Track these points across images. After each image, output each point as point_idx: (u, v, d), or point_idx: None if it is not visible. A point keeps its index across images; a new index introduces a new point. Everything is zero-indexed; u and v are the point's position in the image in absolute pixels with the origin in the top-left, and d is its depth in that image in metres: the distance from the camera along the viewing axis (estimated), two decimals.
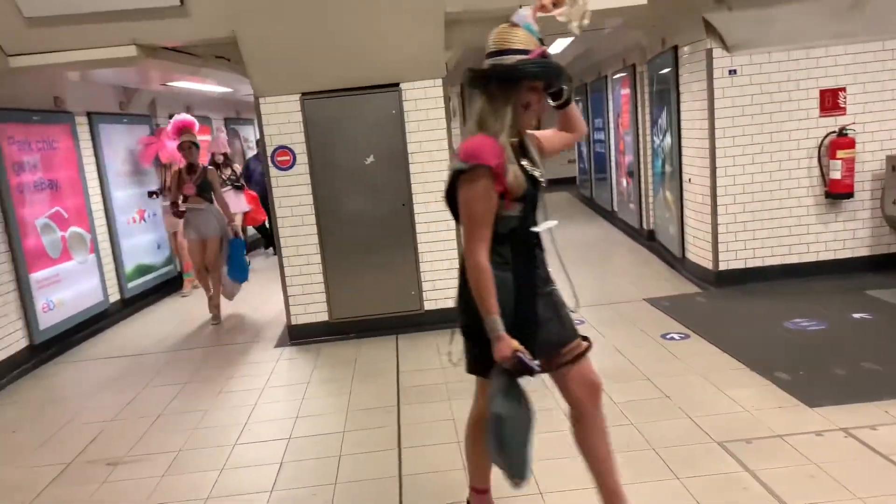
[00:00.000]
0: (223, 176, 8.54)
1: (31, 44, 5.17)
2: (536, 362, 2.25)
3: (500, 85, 2.25)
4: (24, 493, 3.63)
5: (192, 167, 6.55)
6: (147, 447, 4.09)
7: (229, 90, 9.12)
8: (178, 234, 7.84)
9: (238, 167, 9.42)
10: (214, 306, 6.87)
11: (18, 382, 5.53)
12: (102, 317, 6.99)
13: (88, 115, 7.11)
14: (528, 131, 2.47)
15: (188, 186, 6.49)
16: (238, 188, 8.90)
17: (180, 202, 6.59)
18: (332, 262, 5.80)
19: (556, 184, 16.93)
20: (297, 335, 5.89)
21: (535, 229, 2.44)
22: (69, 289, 6.42)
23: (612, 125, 10.31)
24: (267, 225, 9.71)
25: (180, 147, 6.57)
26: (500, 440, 2.26)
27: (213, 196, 6.64)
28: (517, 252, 2.38)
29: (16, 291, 5.73)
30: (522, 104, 2.28)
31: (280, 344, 5.95)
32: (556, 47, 8.33)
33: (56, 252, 6.27)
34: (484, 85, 2.30)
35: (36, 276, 5.93)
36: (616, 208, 10.44)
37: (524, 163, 2.35)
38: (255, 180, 9.59)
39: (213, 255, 6.66)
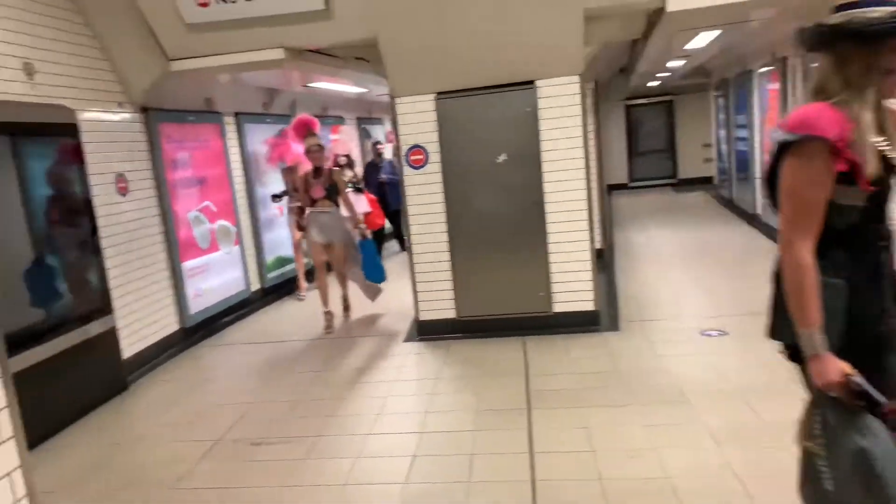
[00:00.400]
0: (345, 178, 8.61)
1: (190, 49, 5.57)
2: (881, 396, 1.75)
3: (857, 43, 1.80)
4: (181, 466, 3.91)
5: (318, 170, 6.47)
6: (286, 430, 4.28)
7: (364, 90, 9.41)
8: (296, 238, 7.91)
9: (359, 170, 9.61)
10: (328, 314, 6.69)
11: (171, 362, 5.98)
12: (244, 304, 7.43)
13: (236, 115, 7.58)
14: (887, 104, 1.93)
15: (317, 189, 6.44)
16: (358, 190, 8.65)
17: (308, 206, 6.56)
18: (460, 260, 5.82)
19: (690, 184, 16.21)
20: (426, 331, 5.97)
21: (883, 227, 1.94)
22: (216, 277, 6.87)
23: (756, 122, 9.69)
24: (386, 225, 9.81)
25: (308, 151, 6.46)
26: (876, 480, 1.72)
27: (338, 199, 6.60)
28: (857, 257, 1.89)
29: (170, 279, 6.21)
30: (886, 69, 1.81)
31: (409, 339, 6.05)
32: (700, 41, 7.92)
33: (205, 243, 6.74)
34: (830, 44, 1.86)
35: (187, 265, 6.39)
36: (759, 211, 9.79)
37: (880, 141, 1.84)
38: (373, 182, 9.62)
39: (340, 261, 6.67)
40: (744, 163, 10.62)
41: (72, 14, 5.20)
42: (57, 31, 5.00)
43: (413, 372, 5.22)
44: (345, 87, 8.85)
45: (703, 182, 15.58)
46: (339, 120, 10.59)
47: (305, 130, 6.62)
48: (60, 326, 4.68)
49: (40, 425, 4.27)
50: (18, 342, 4.19)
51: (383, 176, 9.82)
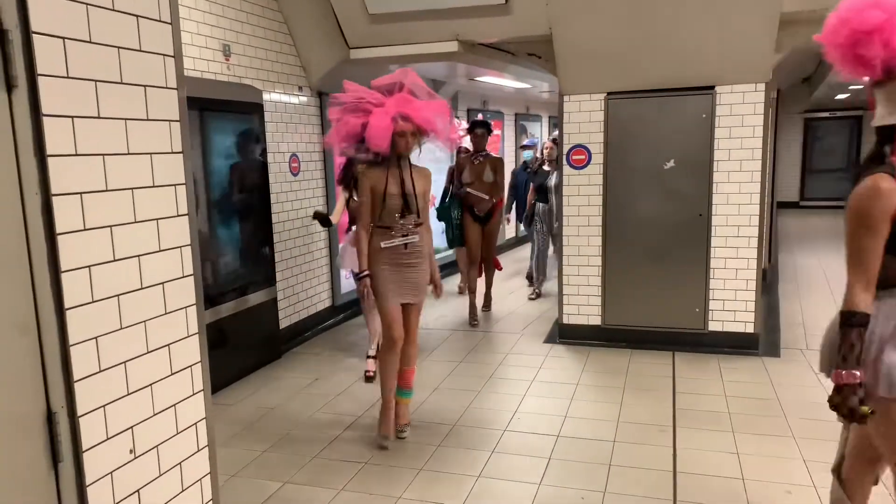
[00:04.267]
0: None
1: (369, 38, 5.82)
2: None
3: None
4: (331, 430, 4.14)
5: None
6: (425, 416, 4.38)
7: (527, 86, 9.39)
8: None
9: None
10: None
11: (320, 336, 6.31)
12: None
13: None
14: None
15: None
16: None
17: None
18: (612, 266, 5.66)
19: (831, 202, 14.74)
20: (567, 334, 5.87)
21: None
22: None
23: None
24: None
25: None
26: None
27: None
28: None
29: (328, 258, 6.55)
30: None
31: (549, 340, 5.98)
32: None
33: None
34: None
35: (341, 246, 6.70)
36: None
37: None
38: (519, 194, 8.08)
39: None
40: None
41: (266, 0, 5.61)
42: (252, 16, 5.41)
43: (551, 374, 5.15)
44: (508, 82, 8.88)
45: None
46: (497, 115, 10.65)
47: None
48: (231, 291, 5.08)
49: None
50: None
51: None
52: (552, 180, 7.21)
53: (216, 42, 5.02)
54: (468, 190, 6.59)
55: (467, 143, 6.78)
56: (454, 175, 6.86)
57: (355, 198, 4.64)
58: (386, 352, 3.92)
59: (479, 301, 6.98)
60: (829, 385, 2.07)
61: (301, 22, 5.82)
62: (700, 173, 5.29)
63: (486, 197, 6.60)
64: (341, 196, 5.26)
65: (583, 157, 5.61)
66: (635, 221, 5.52)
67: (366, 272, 3.81)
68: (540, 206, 7.56)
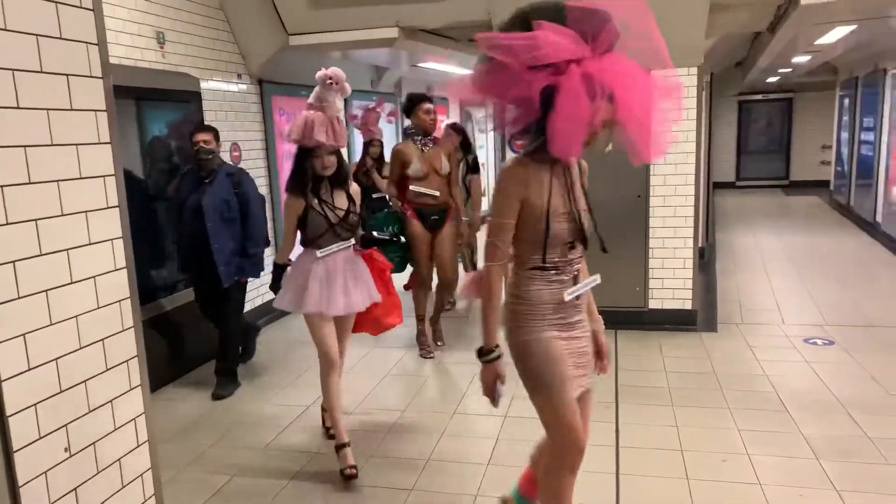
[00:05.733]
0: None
1: (309, 24, 5.75)
2: None
3: None
4: (280, 421, 4.11)
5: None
6: (375, 403, 4.40)
7: (470, 72, 9.41)
8: None
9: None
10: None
11: (267, 329, 6.23)
12: None
13: None
14: None
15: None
16: None
17: None
18: None
19: (803, 186, 15.34)
20: None
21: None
22: None
23: (885, 125, 9.03)
24: None
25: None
26: None
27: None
28: None
29: (273, 245, 6.47)
30: None
31: None
32: (831, 37, 7.43)
33: None
34: None
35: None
36: (880, 220, 9.15)
37: None
38: None
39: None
40: (867, 168, 9.92)
41: None
42: (187, 2, 5.27)
43: None
44: (452, 69, 8.89)
45: (817, 186, 14.69)
46: (443, 101, 10.65)
47: None
48: (173, 284, 4.98)
49: (153, 376, 4.57)
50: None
51: None
52: (460, 172, 5.91)
53: (150, 29, 4.88)
54: (419, 188, 4.96)
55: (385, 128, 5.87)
56: (366, 170, 6.31)
57: (352, 206, 3.53)
58: (563, 474, 2.42)
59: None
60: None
61: (238, 8, 5.70)
62: None
63: (438, 193, 4.98)
64: (291, 214, 3.48)
65: (526, 142, 5.66)
66: None
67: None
68: None
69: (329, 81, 3.43)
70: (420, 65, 8.22)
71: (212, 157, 4.44)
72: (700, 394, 4.31)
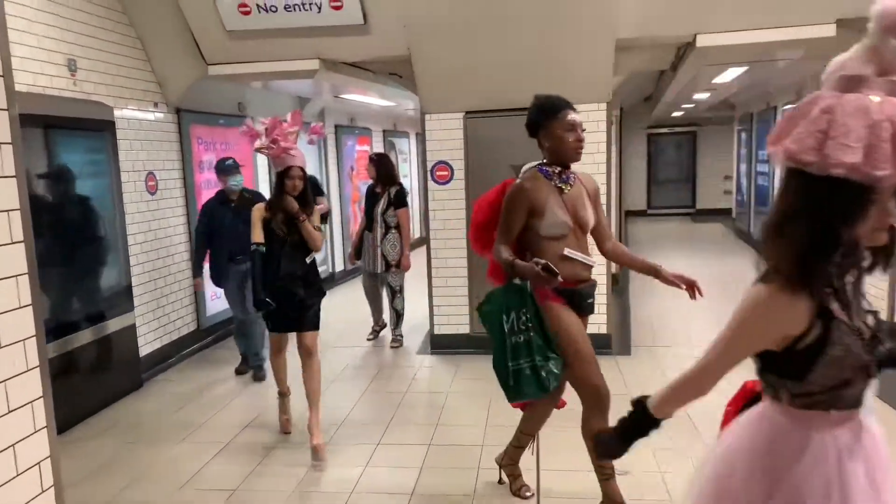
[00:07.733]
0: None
1: (228, 54, 5.72)
2: None
3: None
4: (190, 466, 3.99)
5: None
6: (297, 436, 4.34)
7: (392, 104, 9.55)
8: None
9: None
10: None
11: (185, 362, 6.06)
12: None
13: None
14: None
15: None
16: None
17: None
18: (477, 276, 5.88)
19: (708, 214, 16.20)
20: (439, 345, 6.02)
21: None
22: None
23: None
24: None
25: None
26: None
27: None
28: None
29: (189, 279, 6.30)
30: None
31: (422, 352, 6.11)
32: (727, 76, 7.98)
33: None
34: None
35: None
36: None
37: None
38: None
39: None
40: (764, 197, 10.64)
41: (116, 14, 5.37)
42: (100, 30, 5.16)
43: (424, 385, 5.28)
44: (374, 100, 8.99)
45: (721, 213, 15.57)
46: (366, 132, 10.73)
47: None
48: (83, 320, 4.78)
49: (60, 416, 4.36)
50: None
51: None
52: (381, 206, 6.07)
53: (61, 56, 4.74)
54: (573, 254, 3.29)
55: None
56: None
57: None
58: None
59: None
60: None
61: (155, 37, 5.62)
62: None
63: (594, 261, 3.50)
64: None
65: (446, 172, 5.81)
66: None
67: None
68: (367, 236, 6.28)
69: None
70: (342, 96, 8.28)
71: None
72: (615, 416, 4.44)
